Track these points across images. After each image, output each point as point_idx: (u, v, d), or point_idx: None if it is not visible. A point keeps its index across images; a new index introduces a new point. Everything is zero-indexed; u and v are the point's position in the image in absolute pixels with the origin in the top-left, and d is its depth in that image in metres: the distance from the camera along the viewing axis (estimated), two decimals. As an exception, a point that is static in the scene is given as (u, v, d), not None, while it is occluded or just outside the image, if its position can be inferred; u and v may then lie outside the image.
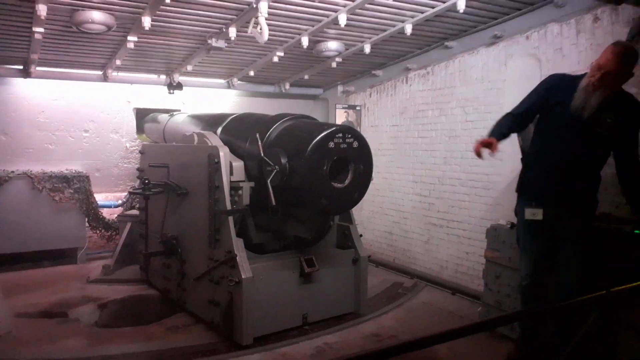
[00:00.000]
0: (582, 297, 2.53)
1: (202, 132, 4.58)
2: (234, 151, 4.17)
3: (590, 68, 3.17)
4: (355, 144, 3.76)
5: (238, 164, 4.08)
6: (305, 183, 3.59)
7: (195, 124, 5.14)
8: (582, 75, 3.21)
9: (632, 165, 3.23)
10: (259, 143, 3.84)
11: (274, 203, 3.65)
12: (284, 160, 3.62)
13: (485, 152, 3.21)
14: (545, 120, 3.35)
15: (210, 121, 4.92)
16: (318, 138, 3.57)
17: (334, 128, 3.70)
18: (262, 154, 3.77)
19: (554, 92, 3.27)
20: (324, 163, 3.58)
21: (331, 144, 3.61)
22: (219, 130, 4.55)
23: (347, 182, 3.78)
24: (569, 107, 3.13)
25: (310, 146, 3.55)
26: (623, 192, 3.35)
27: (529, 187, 3.40)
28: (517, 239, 3.64)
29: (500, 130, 3.33)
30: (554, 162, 3.25)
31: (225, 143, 4.25)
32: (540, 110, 3.36)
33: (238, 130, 4.41)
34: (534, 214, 3.29)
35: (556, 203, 3.26)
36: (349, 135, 3.73)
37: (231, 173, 4.02)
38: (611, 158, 3.29)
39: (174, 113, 6.17)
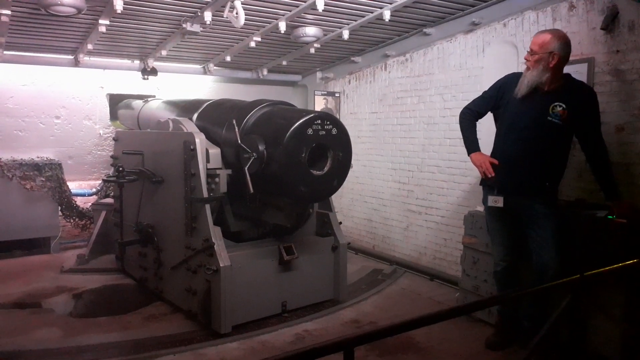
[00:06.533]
0: (558, 280, 2.58)
1: (177, 118, 4.48)
2: (210, 138, 4.09)
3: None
4: (334, 131, 3.72)
5: (215, 151, 4.01)
6: (284, 170, 3.54)
7: (170, 110, 5.03)
8: None
9: (597, 148, 3.35)
10: (236, 129, 3.77)
11: (251, 191, 3.60)
12: (261, 147, 3.57)
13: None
14: (501, 116, 3.52)
15: (185, 107, 4.82)
16: (296, 125, 3.52)
17: (312, 114, 3.65)
18: (240, 141, 3.71)
19: (507, 88, 3.45)
20: (302, 150, 3.54)
21: (309, 131, 3.56)
22: (195, 116, 4.46)
23: (325, 169, 3.74)
24: (519, 100, 3.31)
25: (289, 133, 3.49)
26: (594, 176, 3.46)
27: (490, 178, 3.47)
28: (487, 228, 3.76)
29: (474, 141, 3.56)
30: (510, 154, 3.38)
31: (202, 130, 4.17)
32: (494, 106, 3.56)
33: (214, 116, 4.32)
34: (496, 201, 3.41)
35: (515, 192, 3.37)
36: (328, 122, 3.68)
37: (208, 160, 3.95)
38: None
39: (149, 99, 6.04)
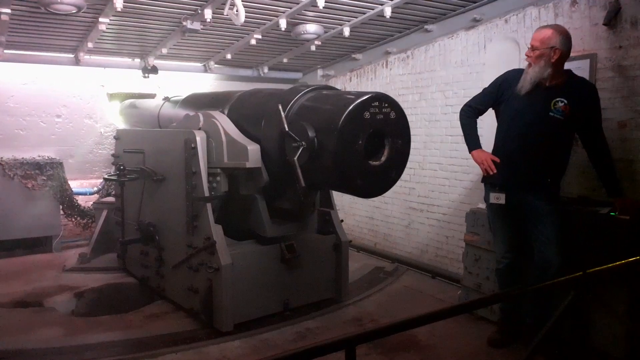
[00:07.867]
0: (560, 277, 2.57)
1: (208, 111, 4.13)
2: (246, 133, 3.78)
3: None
4: (393, 115, 3.21)
5: (253, 148, 3.63)
6: (338, 160, 3.08)
7: (197, 105, 4.72)
8: None
9: (599, 145, 3.35)
10: (282, 115, 3.31)
11: (303, 184, 3.18)
12: (311, 134, 3.12)
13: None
14: (502, 112, 3.52)
15: (215, 100, 4.49)
16: (352, 106, 3.02)
17: (369, 95, 3.14)
18: (287, 128, 3.28)
19: (508, 85, 3.46)
20: (358, 137, 3.04)
21: (367, 115, 3.06)
22: (227, 109, 4.16)
23: (383, 159, 3.24)
24: (520, 96, 3.32)
25: (344, 116, 2.99)
26: (597, 173, 3.45)
27: (491, 175, 3.46)
28: (489, 225, 3.75)
29: (476, 138, 3.58)
30: (511, 150, 3.38)
31: (235, 123, 3.89)
32: (494, 103, 3.56)
33: (249, 108, 3.99)
34: (498, 198, 3.41)
35: (517, 188, 3.37)
36: (386, 105, 3.17)
37: (247, 158, 3.62)
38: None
39: (169, 97, 5.70)
